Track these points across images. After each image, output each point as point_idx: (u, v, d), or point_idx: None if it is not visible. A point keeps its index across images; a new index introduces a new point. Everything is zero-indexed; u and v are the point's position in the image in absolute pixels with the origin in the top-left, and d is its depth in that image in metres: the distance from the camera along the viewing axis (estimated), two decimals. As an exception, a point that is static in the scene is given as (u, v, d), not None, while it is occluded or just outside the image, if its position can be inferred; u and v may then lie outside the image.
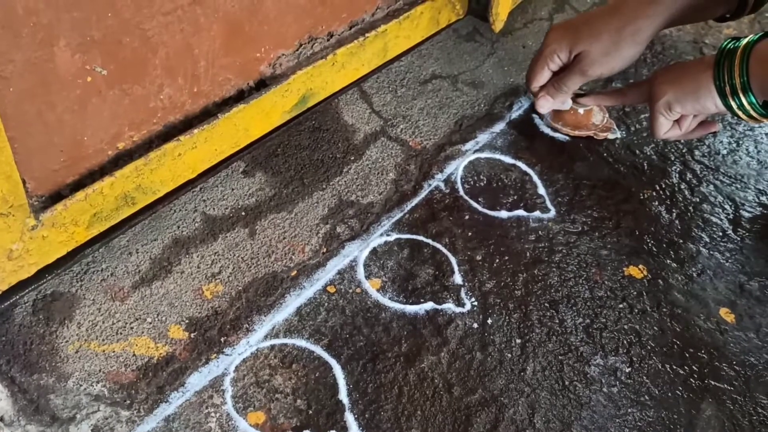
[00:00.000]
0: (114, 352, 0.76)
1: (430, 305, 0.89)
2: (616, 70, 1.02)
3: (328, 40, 0.93)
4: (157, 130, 0.78)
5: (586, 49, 1.01)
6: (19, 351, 0.73)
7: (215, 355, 0.79)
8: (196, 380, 0.77)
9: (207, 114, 0.82)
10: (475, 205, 1.02)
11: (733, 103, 0.90)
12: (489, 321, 0.88)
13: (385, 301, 0.88)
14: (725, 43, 0.90)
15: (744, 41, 0.88)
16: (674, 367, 0.86)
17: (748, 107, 0.89)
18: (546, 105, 1.10)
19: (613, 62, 1.01)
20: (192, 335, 0.80)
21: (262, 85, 0.86)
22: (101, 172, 0.73)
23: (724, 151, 1.17)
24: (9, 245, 0.66)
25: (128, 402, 0.73)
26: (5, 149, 0.60)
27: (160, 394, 0.74)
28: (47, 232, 0.69)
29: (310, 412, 0.76)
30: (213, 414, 0.74)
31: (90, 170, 0.73)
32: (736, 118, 0.93)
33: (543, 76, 1.08)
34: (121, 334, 0.78)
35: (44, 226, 0.68)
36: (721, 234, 1.03)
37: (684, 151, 1.16)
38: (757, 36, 0.88)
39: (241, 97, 0.84)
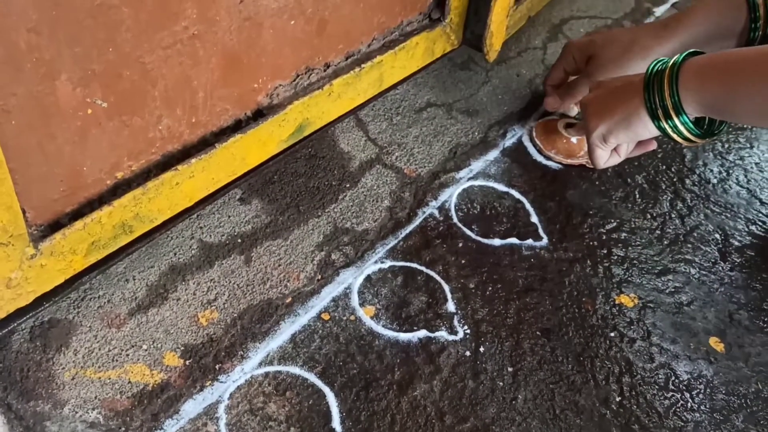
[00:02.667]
0: (110, 379, 0.77)
1: (423, 333, 0.89)
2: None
3: (324, 70, 0.94)
4: (156, 160, 0.79)
5: (597, 52, 1.06)
6: (16, 378, 0.74)
7: (210, 382, 0.80)
8: (191, 407, 0.77)
9: (205, 144, 0.83)
10: (468, 232, 1.03)
11: (667, 126, 0.89)
12: (481, 349, 0.89)
13: (379, 328, 0.89)
14: (652, 64, 0.90)
15: (671, 61, 0.88)
16: (664, 396, 0.87)
17: (682, 128, 0.88)
18: (552, 104, 1.17)
19: (619, 70, 1.03)
20: (187, 362, 0.81)
21: (260, 115, 0.88)
22: (100, 202, 0.74)
23: (714, 180, 1.19)
24: (8, 274, 0.67)
25: (123, 429, 0.74)
26: (6, 180, 0.61)
27: (155, 422, 0.75)
28: (46, 261, 0.70)
29: (303, 440, 0.77)
30: (207, 442, 0.75)
31: (89, 199, 0.74)
32: (672, 141, 0.92)
33: (557, 75, 1.17)
34: (116, 361, 0.78)
35: (43, 255, 0.69)
36: (710, 263, 1.05)
37: (675, 180, 1.17)
38: (683, 55, 0.88)
39: (238, 126, 0.86)
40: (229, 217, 0.96)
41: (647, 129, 0.91)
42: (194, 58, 0.75)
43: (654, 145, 1.05)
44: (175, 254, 0.90)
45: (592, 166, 1.16)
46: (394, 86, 1.07)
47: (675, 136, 0.90)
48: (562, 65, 1.16)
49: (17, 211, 0.64)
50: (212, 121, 0.83)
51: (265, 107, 0.88)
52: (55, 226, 0.72)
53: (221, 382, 0.80)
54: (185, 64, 0.74)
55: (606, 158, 1.01)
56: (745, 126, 1.30)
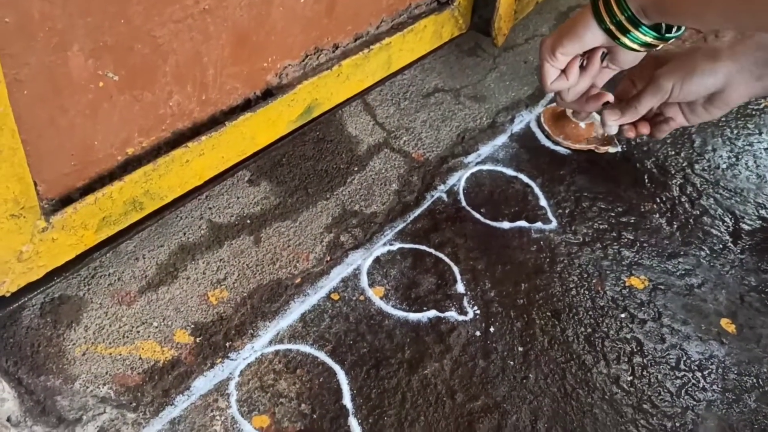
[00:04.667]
0: (120, 355, 0.77)
1: (432, 313, 0.89)
2: (687, 87, 0.96)
3: (333, 51, 0.94)
4: (166, 137, 0.79)
5: (667, 57, 0.98)
6: (27, 353, 0.74)
7: (220, 359, 0.79)
8: (202, 384, 0.77)
9: (214, 122, 0.83)
10: (477, 216, 1.03)
11: (626, 41, 0.86)
12: (491, 329, 0.88)
13: (389, 308, 0.89)
14: None
15: None
16: (676, 376, 0.86)
17: (643, 37, 0.85)
18: (611, 116, 1.01)
19: (684, 74, 0.96)
20: (197, 340, 0.80)
21: (269, 94, 0.88)
22: (110, 177, 0.74)
23: (724, 165, 1.18)
24: (19, 247, 0.67)
25: (134, 404, 0.73)
26: (18, 151, 0.61)
27: (166, 397, 0.75)
28: (57, 235, 0.70)
29: (314, 416, 0.76)
30: (218, 417, 0.74)
31: (100, 175, 0.74)
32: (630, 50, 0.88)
33: (624, 87, 1.05)
34: (127, 337, 0.78)
35: (54, 229, 0.69)
36: (721, 246, 1.04)
37: (684, 165, 1.17)
38: None
39: (247, 105, 0.86)
40: (238, 198, 0.96)
41: (593, 35, 0.85)
42: (205, 33, 0.74)
43: (610, 97, 0.99)
44: (184, 234, 0.89)
45: (601, 152, 1.16)
46: (402, 70, 1.07)
47: (635, 45, 0.86)
48: (630, 77, 1.03)
49: (29, 183, 0.64)
50: (222, 100, 0.83)
51: (274, 87, 0.88)
52: (66, 200, 0.72)
53: (231, 359, 0.80)
54: (196, 40, 0.74)
55: (553, 76, 0.94)
56: (754, 113, 1.30)
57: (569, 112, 1.17)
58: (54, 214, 0.69)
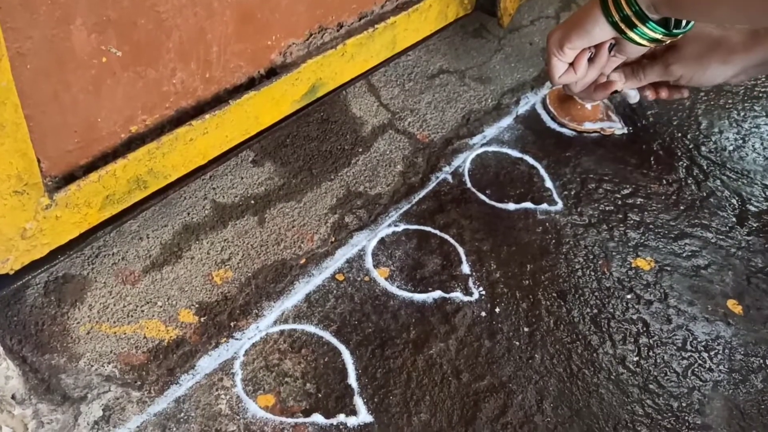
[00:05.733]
0: (125, 334, 0.76)
1: (438, 294, 0.89)
2: (697, 78, 1.00)
3: (338, 30, 0.93)
4: (170, 115, 0.78)
5: (680, 44, 0.99)
6: (31, 331, 0.74)
7: (225, 339, 0.79)
8: (206, 363, 0.77)
9: (218, 101, 0.82)
10: (482, 197, 1.03)
11: (633, 35, 0.86)
12: (497, 310, 0.88)
13: (394, 289, 0.89)
14: None
15: None
16: (682, 356, 0.86)
17: (650, 32, 0.85)
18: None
19: (698, 67, 0.98)
20: (202, 319, 0.80)
21: (273, 73, 0.87)
22: (114, 155, 0.74)
23: (731, 147, 1.17)
24: (23, 224, 0.66)
25: (139, 383, 0.73)
26: (22, 126, 0.61)
27: (171, 376, 0.75)
28: (60, 213, 0.69)
29: (320, 395, 0.76)
30: (223, 396, 0.74)
31: (103, 152, 0.73)
32: (636, 45, 0.87)
33: None
34: (132, 316, 0.78)
35: (58, 206, 0.69)
36: (728, 228, 1.04)
37: (691, 146, 1.16)
38: None
39: (252, 84, 0.85)
40: (242, 178, 0.95)
41: (601, 29, 0.85)
42: (209, 9, 0.74)
43: (619, 86, 1.00)
44: (188, 214, 0.89)
45: (607, 133, 1.16)
46: (407, 50, 1.06)
47: (643, 40, 0.86)
48: None
49: (32, 159, 0.64)
50: (226, 78, 0.82)
51: (278, 66, 0.87)
52: (70, 178, 0.71)
53: (236, 339, 0.80)
54: (200, 15, 0.73)
55: (561, 71, 0.95)
56: (761, 95, 1.29)
57: (575, 93, 1.16)
58: (57, 191, 0.69)
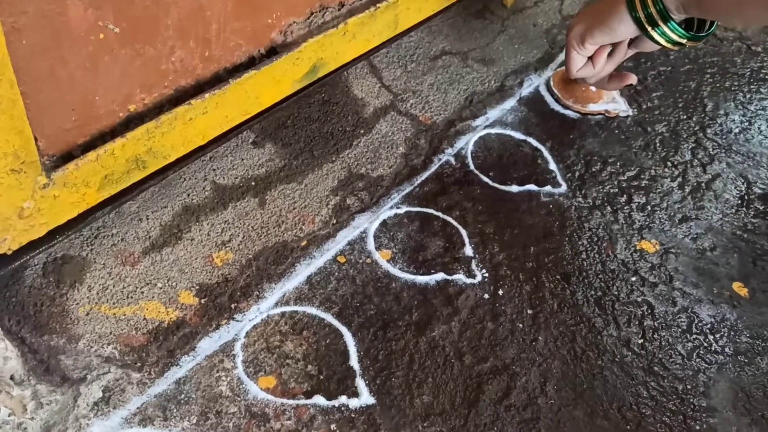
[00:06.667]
0: (125, 315, 0.76)
1: (440, 276, 0.88)
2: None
3: (339, 9, 0.92)
4: (168, 94, 0.77)
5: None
6: (29, 312, 0.73)
7: (226, 320, 0.78)
8: (207, 345, 0.76)
9: (218, 80, 0.81)
10: (485, 179, 1.01)
11: (654, 34, 0.85)
12: (500, 292, 0.87)
13: (396, 271, 0.88)
14: None
15: None
16: (687, 339, 0.85)
17: (671, 34, 0.84)
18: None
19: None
20: (202, 301, 0.79)
21: (273, 52, 0.86)
22: (112, 134, 0.73)
23: (737, 130, 1.16)
24: (20, 203, 0.66)
25: (139, 364, 0.73)
26: (18, 102, 0.60)
27: (171, 358, 0.74)
28: (58, 192, 0.68)
29: (321, 377, 0.76)
30: (224, 378, 0.74)
31: (101, 132, 0.72)
32: (660, 47, 0.88)
33: None
34: (131, 298, 0.77)
35: (55, 186, 0.68)
36: (733, 210, 1.02)
37: (696, 129, 1.15)
38: None
39: (252, 63, 0.84)
40: (243, 159, 0.94)
41: (626, 27, 0.85)
42: (207, -15, 0.72)
43: (633, 80, 0.99)
44: (188, 195, 0.88)
45: (612, 115, 1.14)
46: (409, 31, 1.05)
47: (663, 41, 0.85)
48: None
49: (29, 137, 0.63)
50: (225, 57, 0.81)
51: (278, 45, 0.86)
52: (68, 157, 0.70)
53: (237, 320, 0.79)
54: (198, -8, 0.72)
55: (580, 65, 0.94)
56: (767, 77, 1.28)
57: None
58: (55, 170, 0.68)
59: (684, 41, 0.84)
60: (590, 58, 0.93)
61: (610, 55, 0.93)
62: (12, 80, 0.58)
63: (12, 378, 0.66)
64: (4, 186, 0.63)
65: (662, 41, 0.84)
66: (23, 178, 0.64)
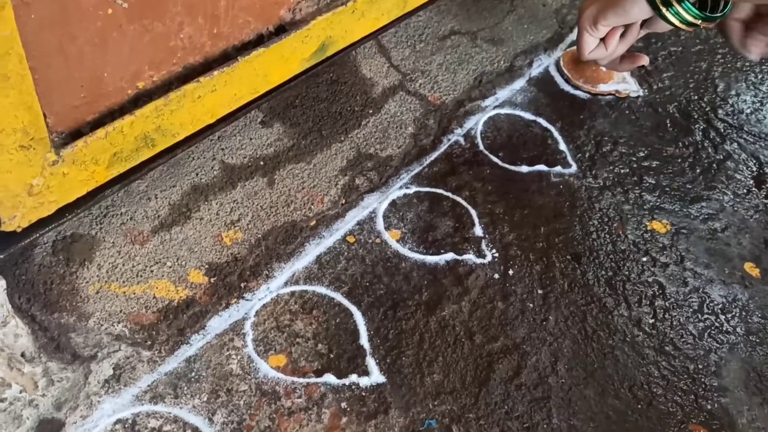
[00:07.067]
0: (134, 294, 0.75)
1: (450, 256, 0.87)
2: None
3: (348, -13, 0.91)
4: (177, 72, 0.76)
5: None
6: (39, 290, 0.73)
7: (235, 299, 0.78)
8: (217, 323, 0.76)
9: (226, 57, 0.80)
10: (495, 159, 1.01)
11: (668, 14, 0.83)
12: (510, 272, 0.87)
13: (405, 251, 0.87)
14: None
15: None
16: (699, 319, 0.85)
17: (685, 14, 0.83)
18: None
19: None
20: (212, 280, 0.79)
21: (282, 30, 0.85)
22: (121, 112, 0.72)
23: (748, 110, 1.15)
24: (30, 180, 0.65)
25: (149, 343, 0.72)
26: (26, 78, 0.59)
27: (181, 336, 0.74)
28: (68, 170, 0.68)
29: (332, 356, 0.75)
30: (234, 356, 0.73)
31: (110, 109, 0.72)
32: (674, 28, 0.86)
33: None
34: (141, 276, 0.77)
35: (65, 163, 0.67)
36: (745, 191, 1.02)
37: (707, 109, 1.14)
38: None
39: (260, 41, 0.83)
40: (251, 139, 0.93)
41: (640, 8, 0.84)
42: (216, -40, 0.72)
43: (646, 61, 0.98)
44: (197, 175, 0.88)
45: (622, 96, 1.13)
46: (418, 9, 1.04)
47: (677, 21, 0.84)
48: None
49: (38, 113, 0.62)
50: (234, 34, 0.80)
51: (287, 22, 0.85)
52: (77, 134, 0.69)
53: (247, 300, 0.79)
54: (207, -33, 0.71)
55: (592, 47, 0.93)
56: (779, 57, 1.26)
57: (589, 54, 1.13)
58: (64, 147, 0.67)
59: (698, 22, 0.83)
60: (602, 39, 0.92)
61: (622, 36, 0.92)
62: (21, 55, 0.58)
63: (23, 355, 0.66)
64: (14, 162, 0.63)
65: (676, 22, 0.83)
66: (32, 155, 0.64)
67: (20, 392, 0.64)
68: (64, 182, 0.69)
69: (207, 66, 0.79)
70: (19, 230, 0.67)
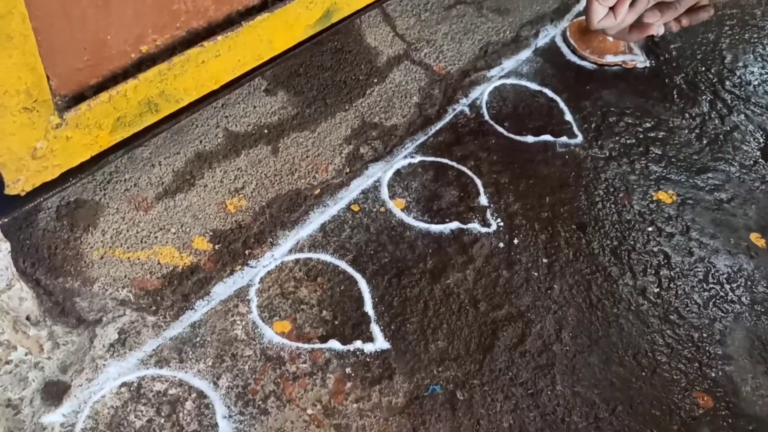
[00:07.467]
0: (139, 259, 0.75)
1: (455, 225, 0.87)
2: None
3: (353, -48, 0.90)
4: (180, 36, 0.75)
5: None
6: (44, 255, 0.73)
7: (240, 266, 0.78)
8: (221, 290, 0.76)
9: (230, 23, 0.79)
10: (500, 129, 1.00)
11: None
12: (515, 241, 0.86)
13: (410, 220, 0.87)
14: None
15: None
16: (704, 288, 0.85)
17: None
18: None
19: None
20: (216, 247, 0.79)
21: (286, -5, 0.84)
22: (125, 75, 0.72)
23: (756, 82, 1.14)
24: (33, 143, 0.65)
25: (154, 308, 0.72)
26: (29, 38, 0.58)
27: (186, 302, 0.74)
28: (71, 133, 0.68)
29: (336, 322, 0.75)
30: (239, 322, 0.73)
31: (113, 72, 0.71)
32: None
33: None
34: (145, 242, 0.77)
35: (68, 126, 0.67)
36: (752, 162, 1.01)
37: (714, 81, 1.13)
38: None
39: (264, 6, 0.82)
40: (255, 107, 0.93)
41: None
42: None
43: (656, 30, 0.96)
44: (200, 142, 0.87)
45: (629, 66, 1.12)
46: (424, -23, 1.03)
47: None
48: None
49: (41, 74, 0.62)
50: (238, -2, 0.79)
51: (292, -12, 0.84)
52: (80, 98, 0.69)
53: (251, 266, 0.78)
54: (211, -72, 0.70)
55: (601, 15, 0.92)
56: (788, 29, 1.25)
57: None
58: (67, 110, 0.67)
59: None
60: (611, 8, 0.91)
61: (631, 5, 0.91)
62: (24, 14, 0.57)
63: (28, 318, 0.66)
64: (17, 124, 0.62)
65: None
66: (36, 117, 0.63)
67: (26, 355, 0.64)
68: (68, 146, 0.68)
69: (211, 31, 0.78)
70: (23, 194, 0.67)
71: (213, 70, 0.78)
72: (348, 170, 0.90)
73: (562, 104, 1.05)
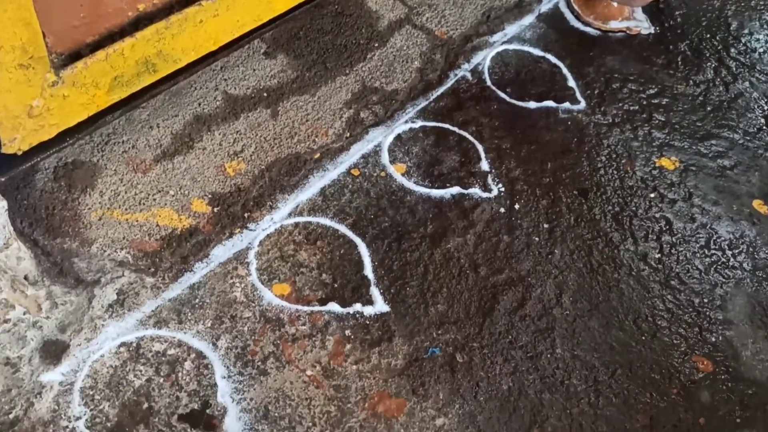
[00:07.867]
0: (137, 221, 0.75)
1: (456, 190, 0.86)
2: None
3: None
4: (178, -5, 0.74)
5: None
6: (42, 215, 0.72)
7: (239, 229, 0.78)
8: (221, 252, 0.76)
9: (229, -18, 0.78)
10: (502, 95, 0.99)
11: None
12: (516, 206, 0.86)
13: (410, 185, 0.86)
14: None
15: None
16: (705, 254, 0.84)
17: None
18: None
19: None
20: (215, 210, 0.78)
21: (286, -45, 0.82)
22: (122, 34, 0.71)
23: (761, 49, 1.12)
24: (29, 101, 0.64)
25: (153, 269, 0.72)
26: (23, -9, 0.57)
27: (185, 264, 0.74)
28: (68, 92, 0.67)
29: (336, 285, 0.75)
30: (238, 284, 0.73)
31: (110, 30, 0.70)
32: None
33: None
34: (144, 204, 0.76)
35: (65, 85, 0.66)
36: (756, 129, 1.00)
37: (719, 48, 1.11)
38: None
39: (264, -34, 0.80)
40: (254, 70, 0.92)
41: None
42: None
43: None
44: (199, 104, 0.86)
45: (633, 33, 1.11)
46: (426, -60, 1.01)
47: None
48: None
49: (37, 31, 0.61)
50: (237, -43, 0.78)
51: (291, -53, 0.83)
52: (77, 56, 0.68)
53: (250, 230, 0.78)
54: None
55: None
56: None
57: (601, -10, 1.10)
58: (64, 68, 0.66)
59: None
60: None
61: None
62: (17, -33, 0.56)
63: (26, 278, 0.66)
64: (13, 81, 0.61)
65: None
66: (32, 74, 0.63)
67: (24, 314, 0.64)
68: (65, 105, 0.67)
69: (209, -10, 0.77)
70: (19, 153, 0.66)
71: (211, 30, 0.77)
72: (348, 134, 0.90)
73: (565, 70, 1.04)
